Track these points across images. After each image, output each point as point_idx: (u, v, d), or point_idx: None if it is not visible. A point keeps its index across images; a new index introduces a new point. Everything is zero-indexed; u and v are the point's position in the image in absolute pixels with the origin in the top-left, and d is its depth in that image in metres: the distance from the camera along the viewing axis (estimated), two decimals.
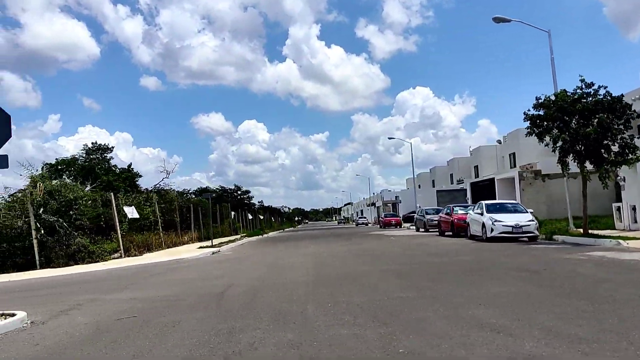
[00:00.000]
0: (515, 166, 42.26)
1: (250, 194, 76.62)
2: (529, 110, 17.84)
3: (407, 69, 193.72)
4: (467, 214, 22.42)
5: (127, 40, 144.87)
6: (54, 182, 21.40)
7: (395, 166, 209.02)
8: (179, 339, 5.57)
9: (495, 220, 18.64)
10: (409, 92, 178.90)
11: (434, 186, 64.12)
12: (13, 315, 7.41)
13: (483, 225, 19.20)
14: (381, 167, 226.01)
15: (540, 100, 17.54)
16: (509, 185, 33.34)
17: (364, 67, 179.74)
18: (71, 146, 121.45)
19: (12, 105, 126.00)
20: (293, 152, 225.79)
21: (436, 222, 28.23)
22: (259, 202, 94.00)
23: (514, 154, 43.99)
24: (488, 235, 18.71)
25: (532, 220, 18.64)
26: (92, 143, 40.56)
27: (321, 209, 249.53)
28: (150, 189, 33.60)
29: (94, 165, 38.10)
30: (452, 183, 59.42)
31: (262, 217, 63.67)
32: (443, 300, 7.07)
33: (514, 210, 19.92)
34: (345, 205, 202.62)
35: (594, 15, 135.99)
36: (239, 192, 74.20)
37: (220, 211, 36.84)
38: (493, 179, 35.42)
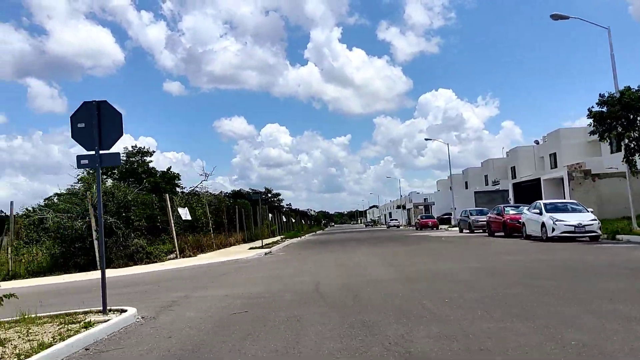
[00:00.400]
0: (556, 166, 41.50)
1: (280, 197, 76.87)
2: (592, 107, 17.44)
3: (429, 70, 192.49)
4: (521, 214, 22.00)
5: (151, 45, 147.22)
6: (107, 183, 21.69)
7: (418, 169, 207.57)
8: (317, 332, 5.49)
9: (557, 220, 18.22)
10: (431, 94, 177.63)
11: (467, 187, 63.39)
12: (124, 310, 7.46)
13: (542, 225, 18.79)
14: (404, 169, 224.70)
15: (604, 98, 17.13)
16: (555, 185, 32.71)
17: (386, 70, 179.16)
18: None
19: (39, 111, 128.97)
20: (315, 155, 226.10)
21: (482, 222, 27.87)
22: (287, 204, 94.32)
23: (554, 154, 43.20)
24: (549, 235, 18.31)
25: (595, 220, 18.18)
26: (132, 146, 41.07)
27: (345, 212, 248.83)
28: (186, 191, 33.83)
29: (135, 168, 38.65)
30: (486, 184, 58.64)
31: (293, 220, 63.76)
32: (564, 296, 6.87)
33: (573, 209, 19.46)
34: (370, 208, 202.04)
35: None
36: (270, 195, 74.48)
37: (259, 213, 36.96)
38: (539, 179, 34.76)
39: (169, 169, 39.82)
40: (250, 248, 23.08)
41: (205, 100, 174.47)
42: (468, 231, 30.68)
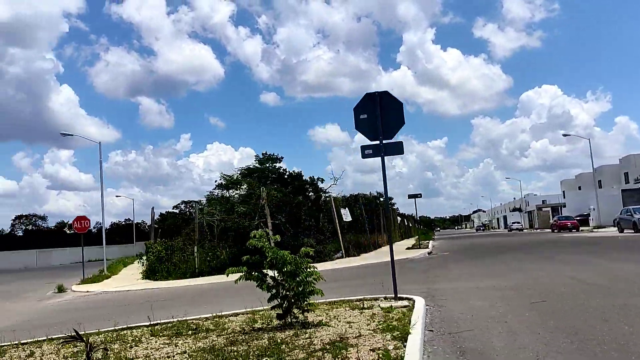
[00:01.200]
0: None
1: (393, 200, 76.18)
2: None
3: (531, 66, 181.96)
4: None
5: (248, 59, 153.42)
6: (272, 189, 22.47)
7: (521, 170, 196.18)
8: None
9: None
10: (534, 92, 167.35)
11: (600, 187, 58.89)
12: (408, 299, 7.52)
13: None
14: (505, 171, 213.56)
15: None
16: None
17: (483, 68, 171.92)
18: (200, 162, 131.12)
19: (150, 127, 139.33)
20: (410, 159, 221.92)
21: None
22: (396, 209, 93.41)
23: None
24: None
25: None
26: (263, 154, 42.75)
27: (448, 217, 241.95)
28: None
29: (267, 174, 40.18)
30: (626, 182, 54.07)
31: (409, 224, 62.97)
32: None
33: None
34: (474, 212, 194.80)
35: None
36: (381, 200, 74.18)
37: (391, 217, 36.84)
38: None
39: (298, 174, 40.94)
40: (407, 248, 22.91)
41: (300, 109, 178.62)
42: (632, 231, 28.30)
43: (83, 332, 7.26)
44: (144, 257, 35.83)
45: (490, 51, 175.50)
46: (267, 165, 43.30)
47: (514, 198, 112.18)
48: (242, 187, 36.40)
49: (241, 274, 6.64)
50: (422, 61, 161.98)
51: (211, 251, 18.90)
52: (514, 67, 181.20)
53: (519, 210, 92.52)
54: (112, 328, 7.52)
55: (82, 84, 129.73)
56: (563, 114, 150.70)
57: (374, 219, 27.71)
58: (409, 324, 5.67)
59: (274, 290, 6.60)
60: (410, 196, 22.86)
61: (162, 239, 21.72)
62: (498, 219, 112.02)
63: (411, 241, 34.41)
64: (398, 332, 5.29)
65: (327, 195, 35.37)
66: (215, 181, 39.56)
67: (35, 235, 78.85)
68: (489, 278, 10.46)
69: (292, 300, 6.54)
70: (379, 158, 7.46)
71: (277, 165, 42.82)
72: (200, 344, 5.91)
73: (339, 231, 20.25)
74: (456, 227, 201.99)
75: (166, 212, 75.26)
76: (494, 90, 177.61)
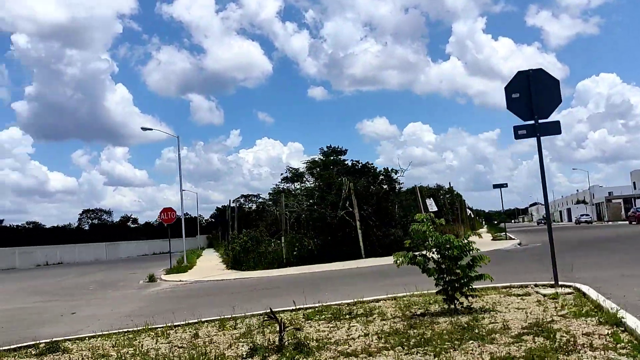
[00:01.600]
0: None
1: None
2: None
3: (587, 54, 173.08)
4: None
5: (295, 54, 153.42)
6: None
7: (578, 162, 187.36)
8: None
9: None
10: (591, 80, 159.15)
11: None
12: (572, 286, 7.18)
13: None
14: (561, 164, 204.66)
15: None
16: None
17: (537, 57, 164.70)
18: (250, 158, 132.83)
19: (200, 123, 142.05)
20: (461, 152, 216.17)
21: None
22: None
23: None
24: None
25: None
26: (327, 146, 42.74)
27: (502, 210, 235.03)
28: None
29: (332, 166, 40.18)
30: None
31: (474, 217, 61.71)
32: None
33: None
34: (531, 205, 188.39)
35: None
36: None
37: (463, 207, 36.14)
38: None
39: (366, 165, 40.67)
40: (492, 239, 22.30)
41: (347, 103, 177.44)
42: None
43: (229, 316, 7.36)
44: (220, 249, 36.62)
45: (544, 39, 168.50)
46: (332, 157, 43.40)
47: (577, 190, 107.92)
48: (307, 179, 36.65)
49: (402, 257, 6.50)
50: (472, 51, 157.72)
51: (298, 241, 18.96)
52: (570, 56, 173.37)
53: (584, 202, 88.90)
54: (263, 311, 7.54)
55: (136, 83, 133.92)
56: (622, 103, 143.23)
57: (454, 210, 27.21)
58: (598, 310, 5.37)
59: (436, 275, 6.43)
60: (495, 186, 22.26)
61: (246, 230, 21.96)
62: (561, 211, 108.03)
63: (486, 234, 33.56)
64: (601, 318, 4.99)
65: (400, 186, 35.06)
66: (282, 174, 39.84)
67: (101, 229, 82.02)
68: (623, 267, 9.93)
69: (457, 285, 6.35)
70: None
71: (342, 157, 42.86)
72: (374, 328, 5.81)
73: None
74: (513, 221, 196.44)
75: (222, 206, 76.94)
76: None
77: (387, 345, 4.91)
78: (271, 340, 5.44)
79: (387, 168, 39.17)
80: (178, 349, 5.77)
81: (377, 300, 7.88)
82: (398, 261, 6.46)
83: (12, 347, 6.81)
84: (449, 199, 26.34)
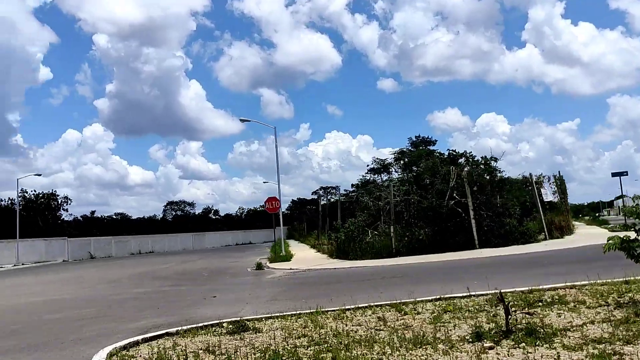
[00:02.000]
0: None
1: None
2: None
3: None
4: None
5: (364, 46, 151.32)
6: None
7: None
8: None
9: None
10: None
11: None
12: None
13: None
14: None
15: None
16: None
17: (621, 42, 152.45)
18: (319, 151, 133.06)
19: (271, 117, 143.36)
20: (538, 143, 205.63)
21: None
22: None
23: None
24: None
25: None
26: (416, 137, 42.16)
27: (586, 204, 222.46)
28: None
29: (421, 155, 39.47)
30: None
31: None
32: None
33: None
34: (616, 198, 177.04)
35: None
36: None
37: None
38: None
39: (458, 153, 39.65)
40: (610, 230, 20.93)
41: (418, 94, 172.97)
42: None
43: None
44: (307, 240, 36.95)
45: (628, 23, 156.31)
46: (421, 147, 42.70)
47: None
48: (395, 170, 36.05)
49: (612, 242, 6.07)
50: (550, 38, 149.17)
51: (408, 231, 18.63)
52: None
53: None
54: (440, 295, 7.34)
55: (208, 79, 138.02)
56: None
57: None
58: None
59: None
60: (614, 174, 20.79)
61: (351, 219, 21.84)
62: None
63: (586, 226, 31.75)
64: None
65: (501, 174, 33.83)
66: (367, 165, 39.74)
67: (184, 220, 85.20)
68: None
69: None
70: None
71: (431, 147, 42.05)
72: (589, 315, 5.46)
73: (541, 212, 18.99)
74: (597, 215, 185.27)
75: (298, 198, 77.82)
76: (633, 65, 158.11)
77: (630, 334, 4.54)
78: (478, 325, 5.22)
79: (486, 157, 37.96)
80: (379, 332, 5.67)
81: (554, 289, 7.45)
82: (608, 246, 6.03)
83: (197, 325, 6.97)
84: (560, 188, 25.04)
